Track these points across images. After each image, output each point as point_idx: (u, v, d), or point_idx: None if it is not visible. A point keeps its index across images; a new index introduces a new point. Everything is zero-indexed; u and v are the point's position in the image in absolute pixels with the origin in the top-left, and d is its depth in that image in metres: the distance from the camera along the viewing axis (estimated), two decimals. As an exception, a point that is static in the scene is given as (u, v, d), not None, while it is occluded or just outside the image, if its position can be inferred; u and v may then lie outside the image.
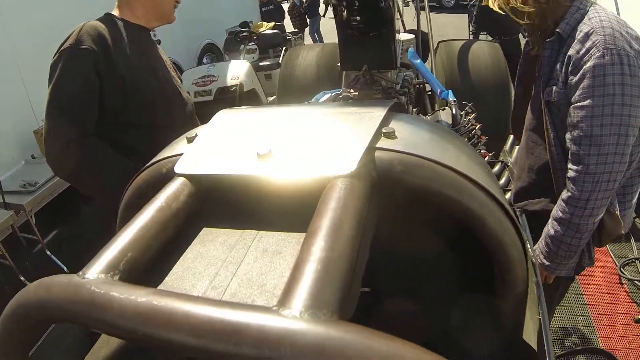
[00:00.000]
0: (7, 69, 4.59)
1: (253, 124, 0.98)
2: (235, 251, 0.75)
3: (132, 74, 2.22)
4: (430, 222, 0.94)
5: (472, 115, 3.02)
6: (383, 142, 0.83)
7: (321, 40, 15.16)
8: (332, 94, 3.08)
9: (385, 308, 1.02)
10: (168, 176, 0.89)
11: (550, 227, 1.99)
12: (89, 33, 2.14)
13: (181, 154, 0.92)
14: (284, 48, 9.24)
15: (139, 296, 0.54)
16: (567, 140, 1.91)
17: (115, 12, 2.38)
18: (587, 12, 1.91)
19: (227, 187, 0.82)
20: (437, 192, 0.79)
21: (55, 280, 0.61)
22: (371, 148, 0.80)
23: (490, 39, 7.55)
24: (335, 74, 4.54)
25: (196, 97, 7.03)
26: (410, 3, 9.13)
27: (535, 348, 0.88)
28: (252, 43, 8.94)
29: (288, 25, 13.79)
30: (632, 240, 4.12)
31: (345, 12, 2.60)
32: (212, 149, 0.90)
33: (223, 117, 1.03)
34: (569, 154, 1.91)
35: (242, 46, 8.50)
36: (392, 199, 0.83)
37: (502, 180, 2.95)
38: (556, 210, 1.96)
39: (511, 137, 3.55)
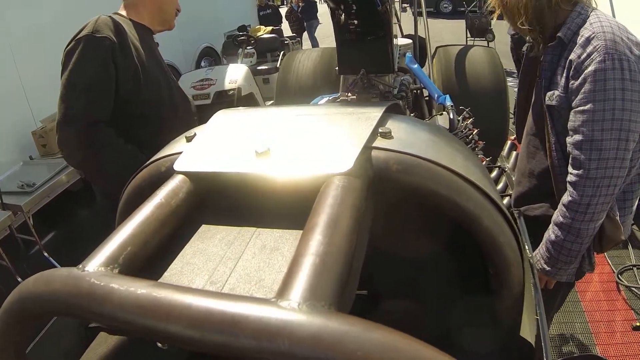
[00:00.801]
0: (5, 70, 4.58)
1: (251, 124, 0.99)
2: (233, 247, 0.75)
3: (144, 67, 2.28)
4: (426, 222, 0.95)
5: (470, 120, 3.02)
6: (379, 142, 0.83)
7: (316, 44, 15.17)
8: (330, 98, 3.08)
9: (381, 309, 1.03)
10: (167, 174, 0.90)
11: (550, 232, 1.99)
12: (106, 23, 2.19)
13: (180, 153, 0.93)
14: (281, 52, 9.26)
15: (139, 288, 0.54)
16: (568, 145, 1.91)
17: (122, 12, 2.44)
18: (588, 17, 1.91)
19: (225, 185, 0.83)
20: (433, 191, 0.80)
21: (54, 273, 0.61)
22: (368, 147, 0.81)
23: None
24: (333, 78, 4.55)
25: (194, 101, 6.97)
26: (408, 8, 9.15)
27: (533, 347, 0.88)
28: (250, 47, 8.95)
29: (286, 29, 13.81)
30: (630, 248, 4.13)
31: (343, 16, 2.61)
32: (211, 148, 0.91)
33: (222, 117, 1.04)
34: (570, 159, 1.90)
35: (240, 50, 8.50)
36: (388, 198, 0.83)
37: (500, 186, 2.96)
38: (557, 215, 1.96)
39: (508, 142, 3.56)
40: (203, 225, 0.83)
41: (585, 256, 2.05)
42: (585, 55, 1.81)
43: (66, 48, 2.17)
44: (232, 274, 0.69)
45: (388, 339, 0.44)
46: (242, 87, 7.13)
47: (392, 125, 0.89)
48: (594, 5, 2.00)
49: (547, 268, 2.02)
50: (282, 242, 0.74)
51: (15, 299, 0.61)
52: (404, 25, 6.77)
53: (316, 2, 16.55)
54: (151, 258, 0.73)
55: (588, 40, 1.83)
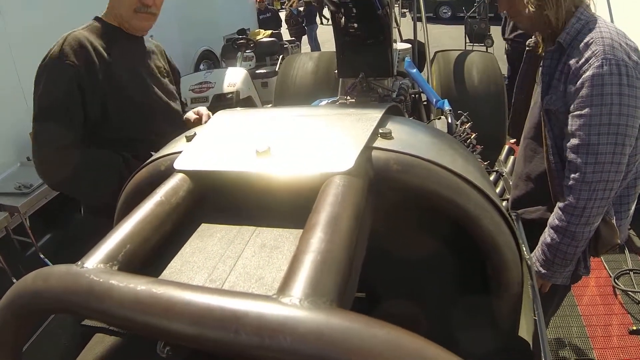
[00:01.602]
0: (4, 70, 4.58)
1: (251, 123, 0.99)
2: (233, 246, 0.75)
3: (115, 89, 2.15)
4: (425, 223, 0.95)
5: (468, 125, 3.03)
6: (380, 142, 0.83)
7: (318, 48, 15.20)
8: (329, 101, 3.09)
9: (379, 311, 1.03)
10: (166, 173, 0.90)
11: (546, 235, 2.01)
12: (72, 46, 2.08)
13: (180, 152, 0.93)
14: (280, 56, 9.27)
15: (139, 285, 0.54)
16: (565, 149, 1.93)
17: (104, 16, 2.31)
18: (588, 22, 1.92)
19: (226, 184, 0.83)
20: (433, 191, 0.80)
21: (53, 269, 0.60)
22: (368, 147, 0.81)
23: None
24: (332, 82, 4.56)
25: (192, 104, 7.02)
26: (407, 13, 9.17)
27: (531, 347, 0.88)
28: (249, 51, 8.97)
29: (285, 33, 13.83)
30: (627, 252, 4.14)
31: (343, 19, 2.61)
32: (211, 147, 0.91)
33: (222, 117, 1.04)
34: (567, 162, 1.92)
35: (239, 53, 8.50)
36: (388, 198, 0.83)
37: (497, 190, 2.96)
38: (553, 218, 1.98)
39: (506, 147, 3.57)
40: (203, 223, 0.83)
41: (581, 259, 2.07)
42: (583, 60, 1.84)
43: (38, 69, 2.12)
44: (231, 272, 0.69)
45: (391, 335, 0.44)
46: (240, 90, 7.14)
47: (393, 126, 0.90)
48: (592, 10, 2.01)
49: (543, 271, 2.04)
50: (282, 241, 0.74)
51: (13, 296, 0.61)
52: (403, 30, 6.78)
53: (315, 7, 16.57)
54: (150, 256, 0.73)
55: (587, 46, 1.85)
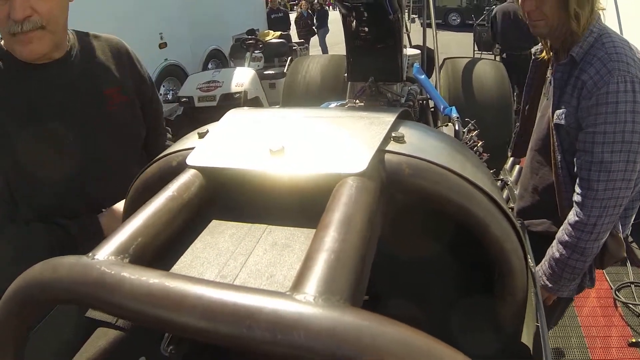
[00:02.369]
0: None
1: (264, 123, 1.00)
2: (244, 243, 0.76)
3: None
4: (434, 227, 0.95)
5: (475, 133, 3.03)
6: (392, 146, 0.84)
7: (327, 51, 15.23)
8: (338, 104, 3.09)
9: (384, 313, 1.03)
10: (178, 169, 0.90)
11: (555, 250, 2.01)
12: None
13: (191, 148, 0.93)
14: (289, 58, 9.29)
15: (151, 278, 0.54)
16: (576, 165, 1.93)
17: None
18: (600, 35, 1.91)
19: (239, 181, 0.83)
20: (445, 196, 0.80)
21: (63, 260, 0.60)
22: (381, 150, 0.82)
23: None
24: (340, 86, 4.56)
25: (200, 102, 7.08)
26: (417, 19, 9.18)
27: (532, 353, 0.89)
28: (258, 51, 8.99)
29: (294, 35, 13.86)
30: (628, 264, 4.14)
31: (354, 22, 2.62)
32: (224, 144, 0.91)
33: (234, 115, 1.05)
34: (578, 179, 1.93)
35: (248, 54, 8.53)
36: (398, 201, 0.84)
37: (503, 198, 2.96)
38: (562, 234, 1.98)
39: (511, 158, 3.57)
40: (214, 220, 0.84)
41: (587, 272, 2.06)
42: (598, 76, 1.82)
43: None
44: (242, 269, 0.70)
45: (403, 334, 0.45)
46: (248, 90, 7.17)
47: (405, 130, 0.90)
48: (602, 22, 1.99)
49: (550, 284, 2.04)
50: (293, 240, 0.75)
51: (20, 285, 0.60)
52: (412, 36, 6.80)
53: (328, 10, 16.63)
54: (161, 250, 0.73)
55: (601, 61, 1.84)
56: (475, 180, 0.83)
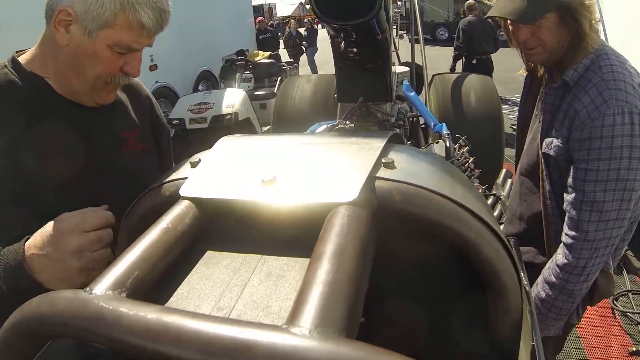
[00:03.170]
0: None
1: (256, 151, 1.00)
2: (239, 274, 0.76)
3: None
4: (426, 251, 0.96)
5: (466, 149, 3.05)
6: (383, 172, 0.85)
7: (316, 69, 15.30)
8: (328, 125, 3.10)
9: (379, 336, 1.04)
10: (172, 199, 0.91)
11: (540, 290, 1.92)
12: None
13: (184, 178, 0.94)
14: (279, 78, 9.33)
15: (148, 312, 0.54)
16: (565, 202, 1.82)
17: (29, 54, 1.47)
18: (598, 57, 1.78)
19: (232, 212, 0.84)
20: (435, 220, 0.81)
21: (60, 294, 0.60)
22: (371, 177, 0.82)
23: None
24: (331, 105, 4.58)
25: (191, 124, 7.09)
26: (405, 35, 9.25)
27: None
28: (248, 72, 9.03)
29: (283, 55, 13.93)
30: (624, 273, 4.15)
31: (342, 43, 2.64)
32: (216, 174, 0.92)
33: (226, 143, 1.06)
34: (566, 218, 1.82)
35: (238, 75, 8.56)
36: (390, 227, 0.85)
37: (495, 213, 2.98)
38: (549, 274, 1.88)
39: (504, 170, 3.59)
40: (209, 251, 0.84)
41: (574, 309, 1.97)
42: (592, 106, 1.69)
43: None
44: (239, 300, 0.70)
45: None
46: (239, 111, 7.19)
47: (395, 155, 0.91)
48: (600, 39, 1.84)
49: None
50: (288, 270, 0.75)
51: (17, 320, 0.60)
52: (401, 52, 6.85)
53: (317, 29, 16.75)
54: (158, 282, 0.74)
55: (596, 88, 1.71)
56: (466, 203, 0.84)
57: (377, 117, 3.17)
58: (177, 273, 0.79)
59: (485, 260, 0.83)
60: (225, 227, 0.88)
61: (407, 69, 5.70)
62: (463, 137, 3.14)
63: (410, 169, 0.88)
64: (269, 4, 52.98)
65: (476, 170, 2.98)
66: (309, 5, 2.07)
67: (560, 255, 1.83)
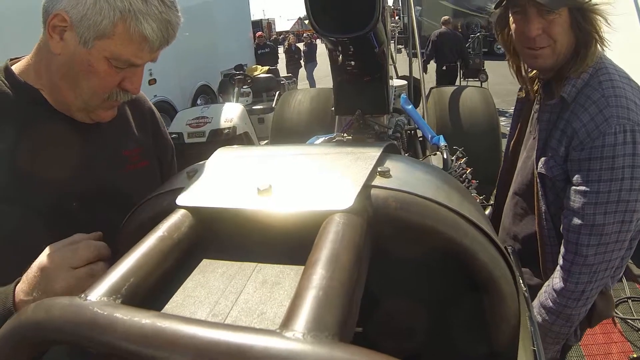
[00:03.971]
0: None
1: (252, 161, 1.01)
2: (235, 281, 0.76)
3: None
4: (423, 259, 0.97)
5: (463, 160, 3.06)
6: (378, 181, 0.85)
7: (314, 84, 15.37)
8: (326, 138, 3.11)
9: (377, 345, 1.03)
10: (168, 209, 0.91)
11: (537, 315, 1.82)
12: None
13: (181, 188, 0.94)
14: (277, 92, 9.36)
15: (143, 318, 0.54)
16: (563, 224, 1.72)
17: (24, 63, 1.37)
18: (597, 70, 1.68)
19: (228, 220, 0.84)
20: (431, 227, 0.81)
21: (55, 301, 0.61)
22: (367, 186, 0.83)
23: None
24: (328, 119, 4.60)
25: (189, 138, 7.10)
26: (403, 49, 9.30)
27: None
28: (246, 86, 9.05)
29: (282, 69, 13.99)
30: (624, 280, 4.14)
31: (340, 56, 2.65)
32: (212, 184, 0.93)
33: (222, 154, 1.06)
34: (564, 241, 1.72)
35: (236, 89, 8.59)
36: (386, 235, 0.85)
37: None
38: (545, 299, 1.79)
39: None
40: (204, 259, 0.84)
41: (576, 330, 1.89)
42: (592, 124, 1.60)
43: None
44: (234, 307, 0.70)
45: None
46: (237, 126, 7.19)
47: (390, 164, 0.92)
48: (600, 52, 1.73)
49: None
50: (283, 277, 0.75)
51: (12, 327, 0.60)
52: (399, 66, 6.88)
53: (316, 44, 16.85)
54: (153, 290, 0.74)
55: (596, 106, 1.61)
56: (462, 210, 0.84)
57: (374, 130, 3.18)
58: (173, 281, 0.79)
59: (481, 266, 0.84)
60: (221, 236, 0.88)
61: (404, 82, 5.73)
62: (460, 149, 3.15)
63: (406, 177, 0.89)
64: (267, 19, 53.31)
65: (474, 181, 2.98)
66: (307, 21, 2.08)
67: (557, 279, 1.75)
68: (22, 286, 1.07)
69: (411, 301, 1.04)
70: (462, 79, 12.56)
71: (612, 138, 1.55)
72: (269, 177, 0.87)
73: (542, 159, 1.79)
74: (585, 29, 1.65)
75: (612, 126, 1.55)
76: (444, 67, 11.45)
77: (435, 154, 3.18)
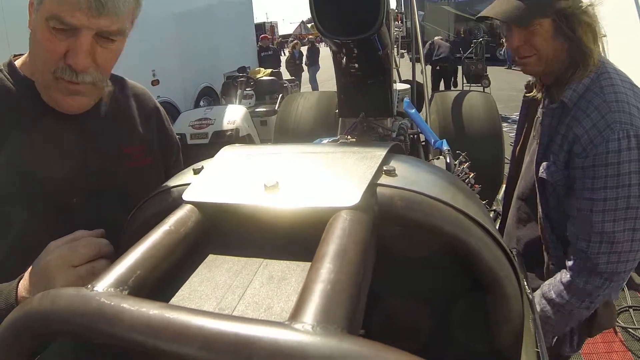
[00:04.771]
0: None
1: (259, 158, 1.01)
2: (241, 277, 0.77)
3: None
4: (427, 258, 0.97)
5: (466, 165, 3.06)
6: (384, 179, 0.86)
7: (317, 87, 15.38)
8: (329, 141, 3.11)
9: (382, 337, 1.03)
10: (174, 204, 0.91)
11: (536, 302, 1.76)
12: None
13: (187, 184, 0.94)
14: (280, 95, 9.37)
15: (150, 309, 0.54)
16: (570, 232, 1.68)
17: (24, 57, 1.38)
18: (599, 75, 1.65)
19: (234, 216, 0.85)
20: (436, 226, 0.82)
21: (61, 291, 0.60)
22: (373, 184, 0.83)
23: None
24: (331, 122, 4.60)
25: (192, 140, 7.11)
26: (406, 54, 9.32)
27: None
28: (249, 89, 9.07)
29: (284, 72, 14.00)
30: (625, 289, 4.13)
31: (344, 59, 2.65)
32: (219, 180, 0.93)
33: (229, 151, 1.06)
34: (572, 248, 1.67)
35: (239, 91, 8.60)
36: (391, 233, 0.86)
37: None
38: (549, 290, 1.74)
39: (504, 186, 3.60)
40: (210, 254, 0.85)
41: (568, 338, 1.85)
42: (595, 130, 1.57)
43: None
44: (240, 302, 0.71)
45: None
46: (240, 128, 7.21)
47: (396, 163, 0.92)
48: (602, 55, 1.72)
49: None
50: (289, 273, 0.76)
51: (18, 317, 0.60)
52: (402, 71, 6.89)
53: (319, 47, 16.86)
54: (159, 283, 0.74)
55: (598, 111, 1.58)
56: (466, 210, 0.85)
57: (378, 132, 3.19)
58: (179, 275, 0.80)
59: (486, 266, 0.84)
60: (227, 231, 0.88)
61: (408, 86, 5.74)
62: (463, 154, 3.15)
63: (411, 176, 0.89)
64: (270, 22, 53.36)
65: (476, 186, 2.98)
66: (311, 24, 2.08)
67: (566, 274, 1.68)
68: (24, 283, 1.07)
69: (414, 300, 1.04)
70: (464, 84, 12.62)
71: (615, 144, 1.52)
72: (275, 174, 0.88)
73: (544, 163, 1.77)
74: (569, 36, 1.65)
75: (616, 132, 1.52)
76: (438, 67, 13.45)
77: (438, 158, 3.18)
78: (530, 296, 1.31)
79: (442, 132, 4.67)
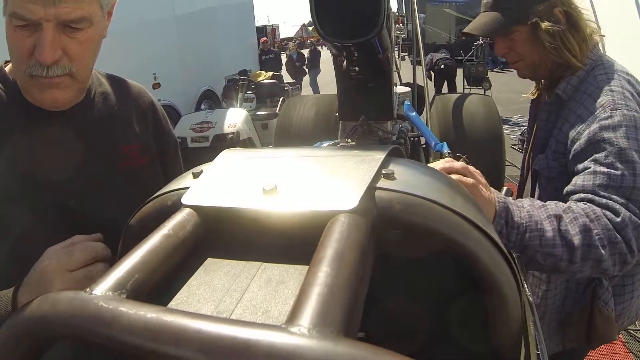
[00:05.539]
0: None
1: (258, 162, 1.02)
2: (239, 280, 0.77)
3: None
4: (426, 261, 0.97)
5: (467, 167, 3.06)
6: (383, 183, 0.86)
7: (318, 91, 15.42)
8: (330, 144, 3.12)
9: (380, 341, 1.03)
10: (173, 208, 0.92)
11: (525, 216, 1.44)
12: None
13: (186, 188, 0.95)
14: (281, 98, 9.39)
15: (148, 312, 0.54)
16: (577, 194, 1.47)
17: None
18: (593, 68, 1.66)
19: (233, 220, 0.85)
20: (434, 229, 0.82)
21: (60, 295, 0.60)
22: (371, 187, 0.83)
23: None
24: (332, 125, 4.60)
25: (193, 143, 7.13)
26: (407, 57, 9.33)
27: None
28: (250, 92, 9.09)
29: (285, 75, 14.04)
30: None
31: (344, 62, 2.66)
32: (218, 184, 0.93)
33: (228, 155, 1.07)
34: (592, 199, 1.43)
35: (240, 94, 8.63)
36: (389, 236, 0.86)
37: (496, 231, 2.97)
38: (554, 204, 1.44)
39: (504, 188, 3.59)
40: (209, 258, 0.85)
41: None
42: (587, 113, 1.55)
43: None
44: (238, 305, 0.71)
45: None
46: (241, 131, 7.23)
47: (395, 167, 0.92)
48: (599, 51, 1.71)
49: (502, 204, 1.49)
50: (287, 276, 0.76)
51: (17, 320, 0.60)
52: (402, 74, 6.89)
53: (320, 50, 16.91)
54: (158, 287, 0.74)
55: (592, 98, 1.57)
56: (465, 213, 0.85)
57: (378, 136, 3.19)
58: (177, 279, 0.80)
59: (484, 269, 0.84)
60: (225, 235, 0.88)
61: (408, 89, 5.73)
62: (464, 157, 3.15)
63: (410, 180, 0.89)
64: (272, 25, 53.45)
65: (477, 188, 2.97)
66: (312, 27, 2.10)
67: (579, 202, 1.44)
68: (22, 290, 1.08)
69: (413, 303, 1.05)
70: (464, 87, 12.63)
71: (609, 120, 1.47)
72: (274, 178, 0.88)
73: (539, 155, 1.79)
74: (547, 39, 1.66)
75: (608, 110, 1.49)
76: (442, 66, 13.65)
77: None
78: (530, 299, 1.31)
79: (443, 135, 4.67)
